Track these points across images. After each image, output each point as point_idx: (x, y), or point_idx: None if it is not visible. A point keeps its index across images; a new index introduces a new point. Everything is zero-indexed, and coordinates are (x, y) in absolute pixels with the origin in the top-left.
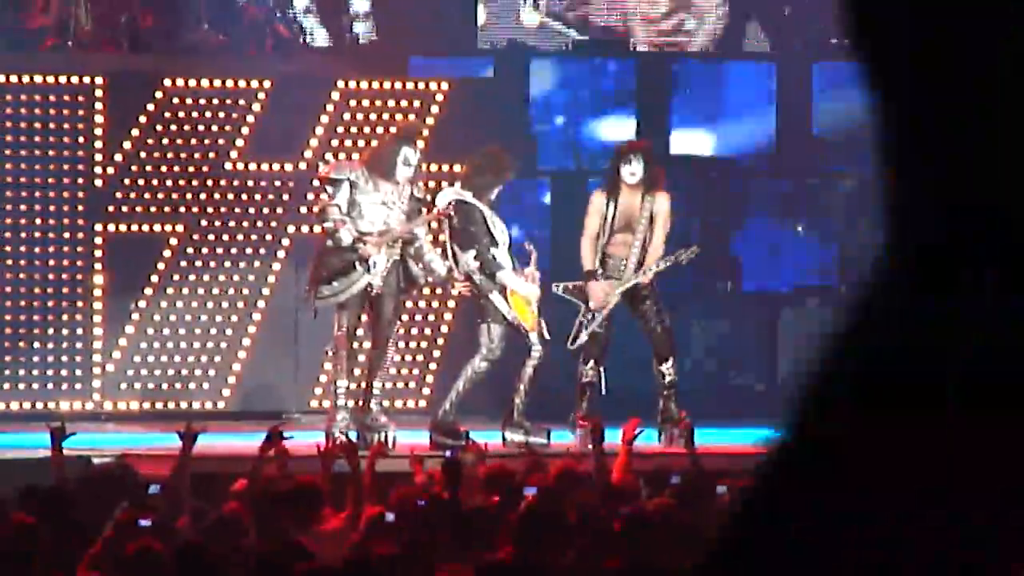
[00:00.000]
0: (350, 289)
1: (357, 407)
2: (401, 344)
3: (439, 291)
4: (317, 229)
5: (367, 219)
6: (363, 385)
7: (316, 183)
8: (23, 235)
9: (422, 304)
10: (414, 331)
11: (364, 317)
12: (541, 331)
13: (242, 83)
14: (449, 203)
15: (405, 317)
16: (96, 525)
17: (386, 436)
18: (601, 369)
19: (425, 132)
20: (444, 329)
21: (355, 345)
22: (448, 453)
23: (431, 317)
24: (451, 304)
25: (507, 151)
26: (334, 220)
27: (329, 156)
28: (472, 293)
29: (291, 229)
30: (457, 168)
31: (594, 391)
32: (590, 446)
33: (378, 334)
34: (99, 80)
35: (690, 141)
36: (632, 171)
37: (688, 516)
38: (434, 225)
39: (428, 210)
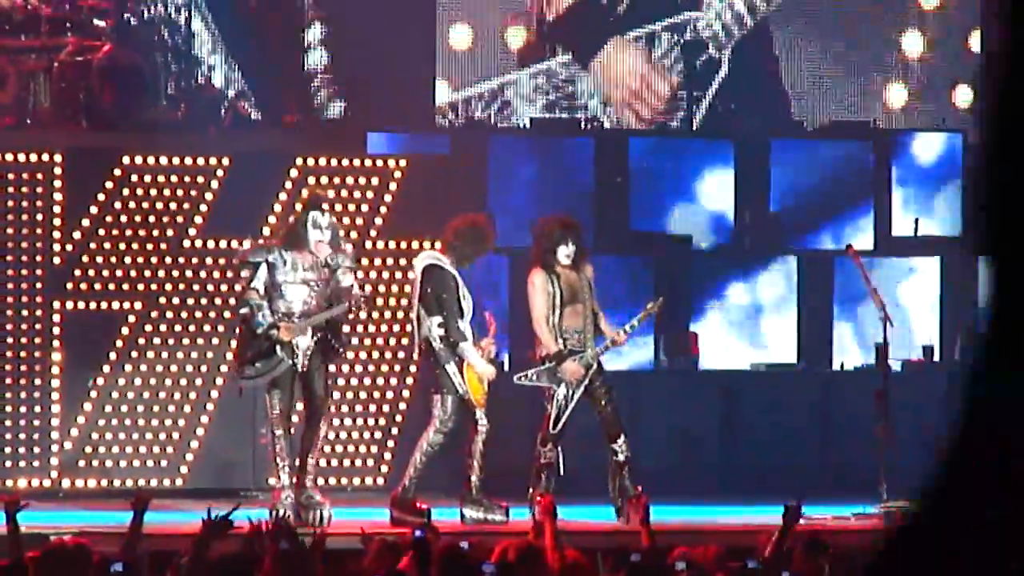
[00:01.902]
0: (272, 372)
1: (295, 483)
2: (359, 420)
3: (397, 367)
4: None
5: (288, 299)
6: (299, 463)
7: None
8: None
9: (380, 380)
10: (372, 407)
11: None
12: (488, 408)
13: (201, 160)
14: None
15: (363, 394)
16: None
17: (322, 514)
18: (559, 449)
19: (383, 209)
20: (402, 405)
21: (294, 422)
22: (417, 532)
23: (389, 393)
24: (409, 380)
25: (492, 224)
26: (251, 306)
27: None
28: (427, 360)
29: (241, 305)
30: (415, 245)
31: (553, 471)
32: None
33: (309, 411)
34: (57, 157)
35: (648, 217)
36: (568, 252)
37: None
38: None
39: (356, 272)
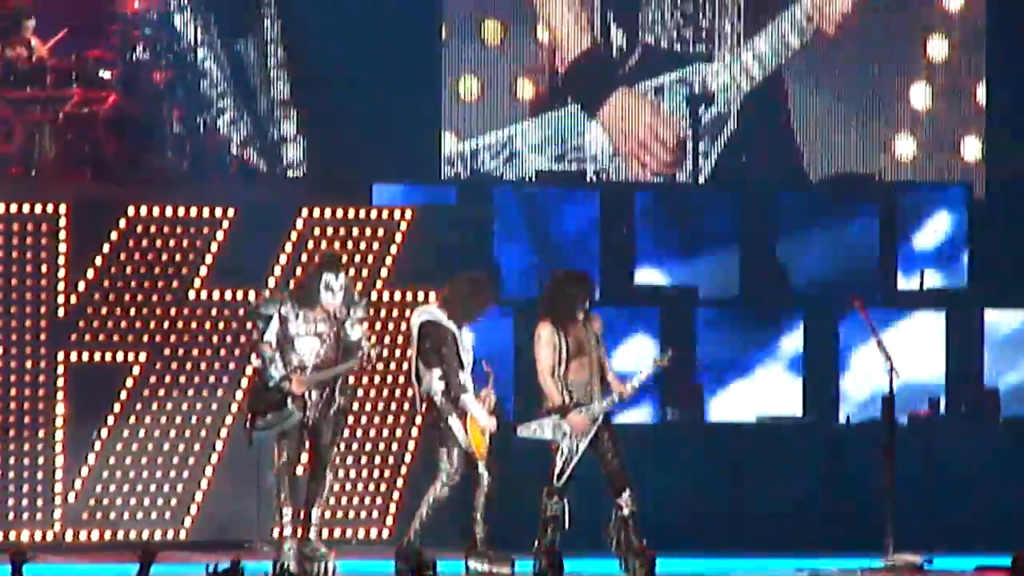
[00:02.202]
0: (282, 424)
1: (299, 535)
2: (364, 472)
3: (403, 419)
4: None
5: (300, 352)
6: (303, 514)
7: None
8: None
9: (385, 432)
10: (377, 459)
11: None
12: (489, 461)
13: (206, 211)
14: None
15: (368, 445)
16: None
17: (326, 566)
18: (565, 502)
19: (389, 260)
20: (407, 458)
21: (299, 473)
22: None
23: (394, 446)
24: (414, 432)
25: (490, 282)
26: (264, 358)
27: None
28: (430, 415)
29: (254, 358)
30: (420, 296)
31: (559, 524)
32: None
33: (315, 462)
34: (63, 208)
35: (653, 271)
36: (585, 309)
37: None
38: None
39: (364, 323)
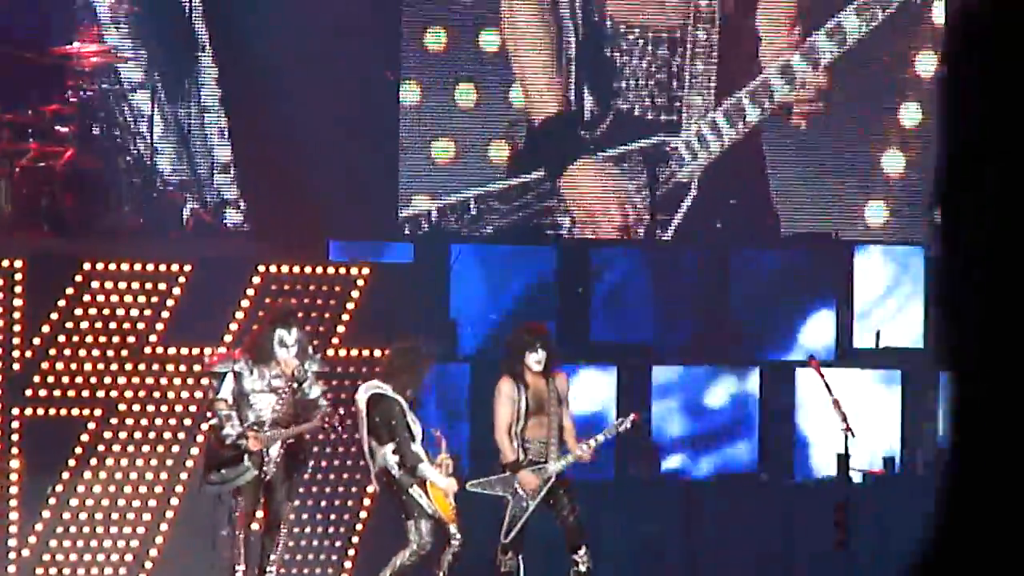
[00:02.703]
0: (236, 480)
1: None
2: (319, 528)
3: (358, 476)
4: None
5: (256, 408)
6: (258, 571)
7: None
8: None
9: (340, 488)
10: (332, 516)
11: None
12: (459, 521)
13: (163, 266)
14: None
15: (324, 502)
16: None
17: None
18: (520, 558)
19: (345, 316)
20: (363, 515)
21: (255, 528)
22: None
23: (350, 502)
24: (370, 489)
25: (420, 344)
26: (220, 416)
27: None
28: (390, 489)
29: (210, 416)
30: (377, 353)
31: None
32: None
33: (271, 517)
34: (18, 263)
35: (609, 327)
36: (538, 359)
37: None
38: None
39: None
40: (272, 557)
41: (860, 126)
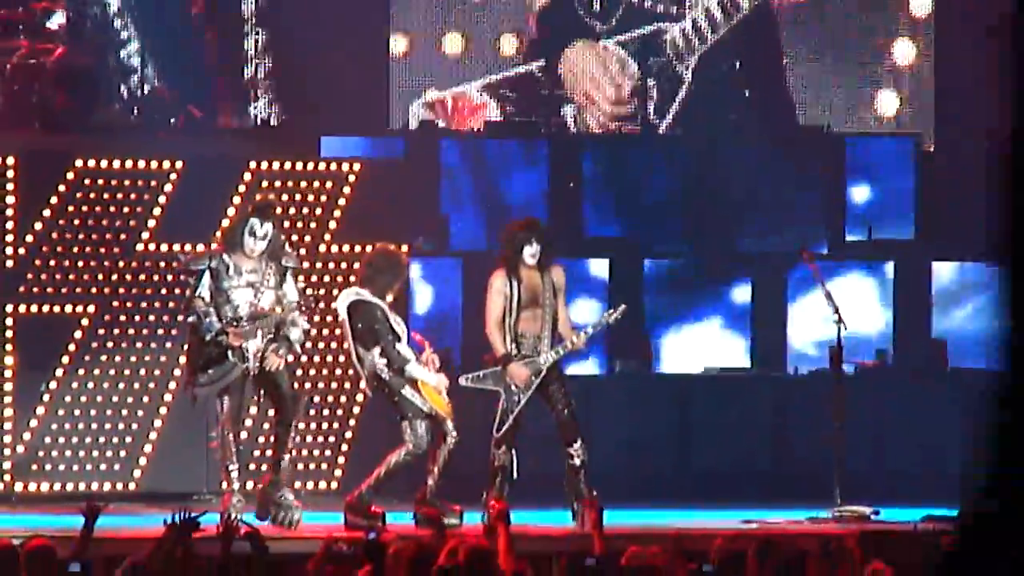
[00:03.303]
0: (225, 378)
1: (266, 486)
2: (312, 424)
3: (351, 371)
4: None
5: (234, 303)
6: (272, 456)
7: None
8: None
9: (334, 384)
10: (325, 412)
11: (262, 398)
12: (455, 417)
13: (154, 164)
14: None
15: (316, 398)
16: None
17: (291, 516)
18: (513, 452)
19: (337, 213)
20: (356, 410)
21: (245, 425)
22: (371, 535)
23: (343, 398)
24: (362, 384)
25: (397, 247)
26: (198, 313)
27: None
28: (381, 392)
29: (189, 313)
30: (368, 248)
31: (506, 474)
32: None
33: (281, 411)
34: (10, 160)
35: (602, 221)
36: (533, 252)
37: None
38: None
39: (299, 276)
40: (287, 448)
41: (869, 12)
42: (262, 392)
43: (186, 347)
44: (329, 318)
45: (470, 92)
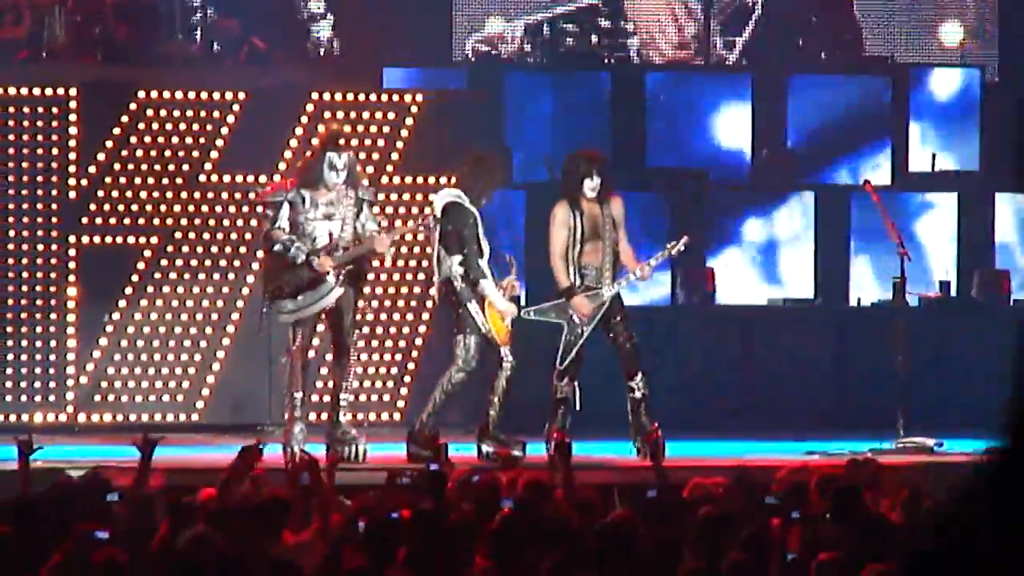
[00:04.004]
0: (317, 303)
1: (328, 419)
2: (376, 356)
3: (414, 303)
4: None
5: (311, 236)
6: (330, 397)
7: (258, 207)
8: None
9: (396, 316)
10: (388, 343)
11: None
12: (512, 345)
13: (216, 95)
14: (442, 206)
15: (380, 330)
16: (61, 537)
17: (356, 448)
18: (576, 384)
19: (399, 144)
20: (419, 341)
21: (311, 357)
22: (431, 465)
23: (405, 329)
24: (425, 316)
25: (498, 155)
26: (282, 243)
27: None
28: (448, 300)
29: (271, 243)
30: (431, 180)
31: (568, 406)
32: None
33: (339, 346)
34: (73, 91)
35: (664, 153)
36: (594, 185)
37: (663, 530)
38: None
39: (374, 207)
40: (344, 384)
41: None
42: (325, 324)
43: (266, 275)
44: (392, 251)
45: (509, 33)
